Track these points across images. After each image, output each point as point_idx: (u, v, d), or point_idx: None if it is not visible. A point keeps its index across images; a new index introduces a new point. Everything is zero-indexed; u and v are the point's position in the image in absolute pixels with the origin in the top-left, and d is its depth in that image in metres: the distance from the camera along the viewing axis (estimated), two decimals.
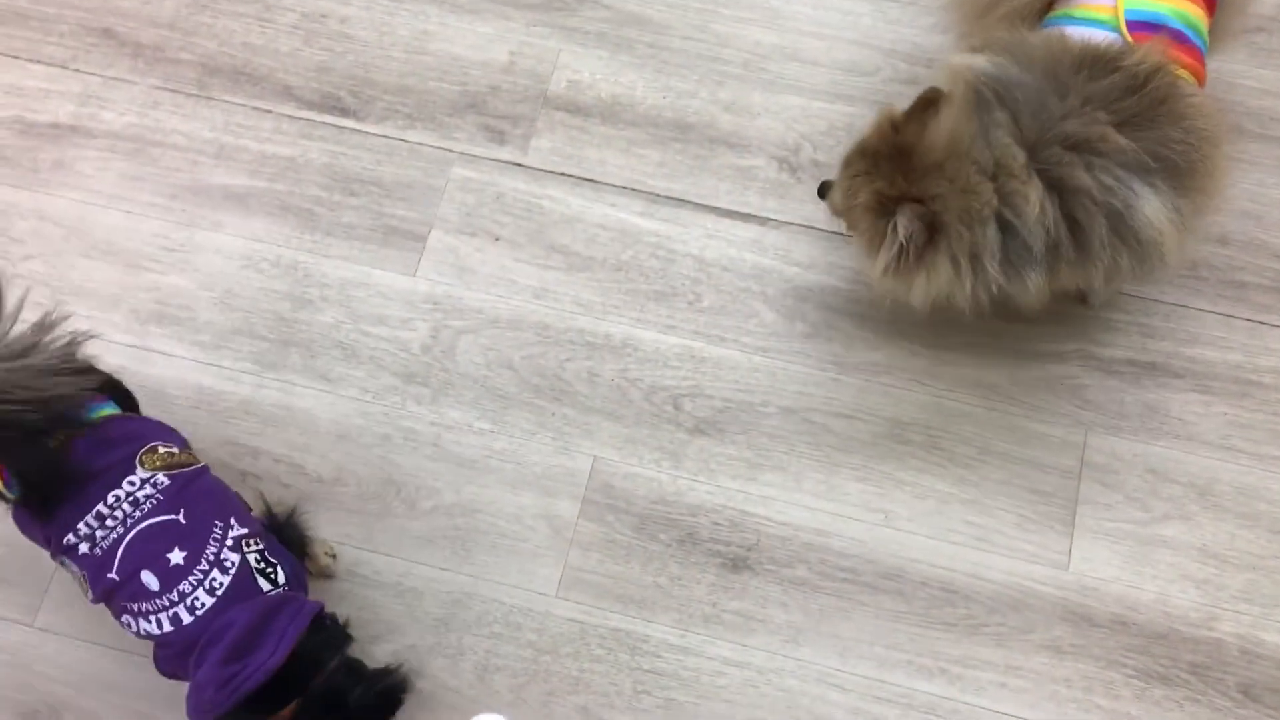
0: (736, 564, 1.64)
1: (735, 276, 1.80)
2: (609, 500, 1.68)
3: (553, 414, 1.73)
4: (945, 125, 1.37)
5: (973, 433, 1.69)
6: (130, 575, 1.31)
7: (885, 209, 1.40)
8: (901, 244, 1.38)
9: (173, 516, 1.34)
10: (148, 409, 1.54)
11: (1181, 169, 1.36)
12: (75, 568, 1.35)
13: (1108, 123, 1.34)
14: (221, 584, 1.32)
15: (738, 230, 1.83)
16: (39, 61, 1.97)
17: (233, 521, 1.38)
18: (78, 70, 1.97)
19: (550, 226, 1.84)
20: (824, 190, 1.58)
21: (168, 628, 1.31)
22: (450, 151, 1.90)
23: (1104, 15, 1.46)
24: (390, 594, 1.63)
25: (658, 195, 1.85)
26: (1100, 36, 1.43)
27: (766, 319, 1.77)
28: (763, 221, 1.83)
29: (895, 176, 1.40)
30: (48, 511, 1.34)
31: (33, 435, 1.28)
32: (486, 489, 1.69)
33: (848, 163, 1.48)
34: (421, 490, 1.69)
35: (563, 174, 1.88)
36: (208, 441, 1.70)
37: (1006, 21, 1.55)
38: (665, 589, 1.63)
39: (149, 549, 1.32)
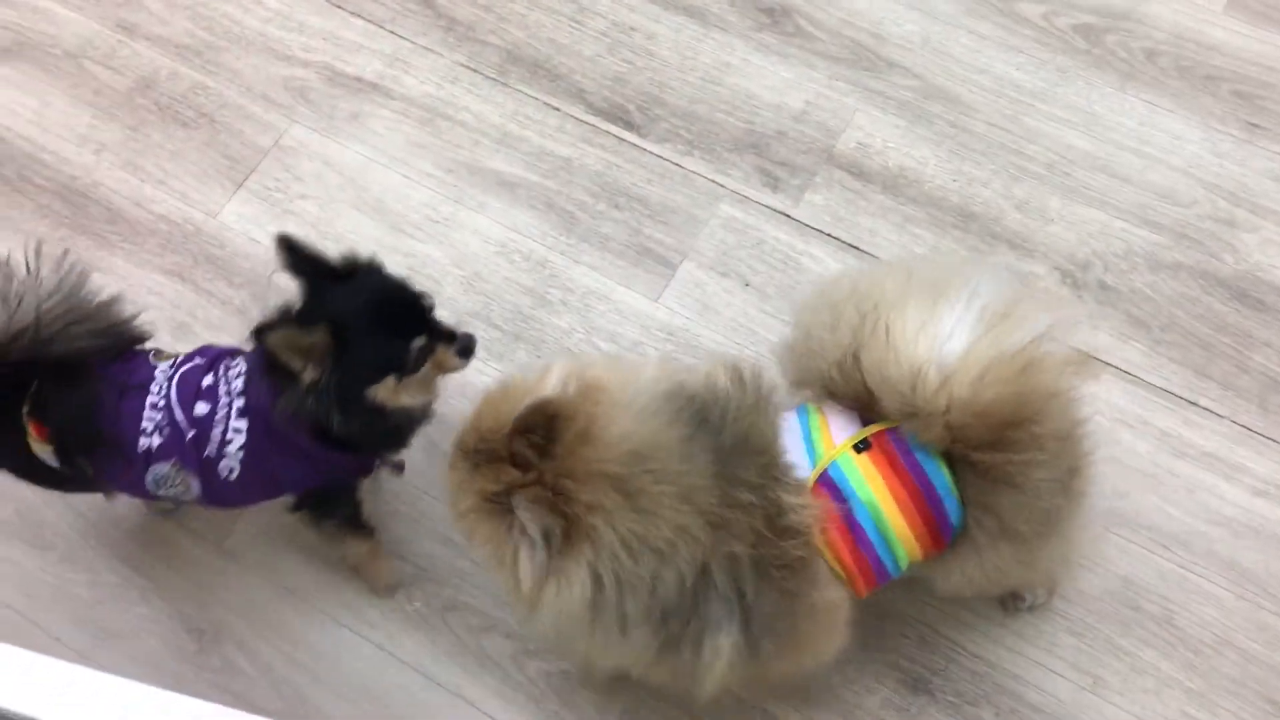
0: (917, 685, 1.52)
1: None
2: None
3: None
4: (633, 428, 1.13)
5: (1214, 618, 1.51)
6: (192, 418, 1.36)
7: (502, 505, 1.14)
8: (539, 539, 1.12)
9: (195, 363, 1.41)
10: None
11: (770, 629, 1.19)
12: (165, 469, 1.37)
13: (747, 541, 1.14)
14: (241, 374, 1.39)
15: None
16: (360, 16, 2.05)
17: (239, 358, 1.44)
18: (392, 32, 2.04)
19: (804, 284, 1.77)
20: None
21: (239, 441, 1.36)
22: (722, 187, 1.86)
23: (819, 443, 1.22)
24: None
25: None
26: (797, 458, 1.20)
27: None
28: None
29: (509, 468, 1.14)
30: (95, 465, 1.37)
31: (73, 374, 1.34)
32: None
33: (471, 449, 1.18)
34: None
35: (829, 235, 1.81)
36: None
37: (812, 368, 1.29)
38: (834, 689, 1.53)
39: (186, 389, 1.38)
